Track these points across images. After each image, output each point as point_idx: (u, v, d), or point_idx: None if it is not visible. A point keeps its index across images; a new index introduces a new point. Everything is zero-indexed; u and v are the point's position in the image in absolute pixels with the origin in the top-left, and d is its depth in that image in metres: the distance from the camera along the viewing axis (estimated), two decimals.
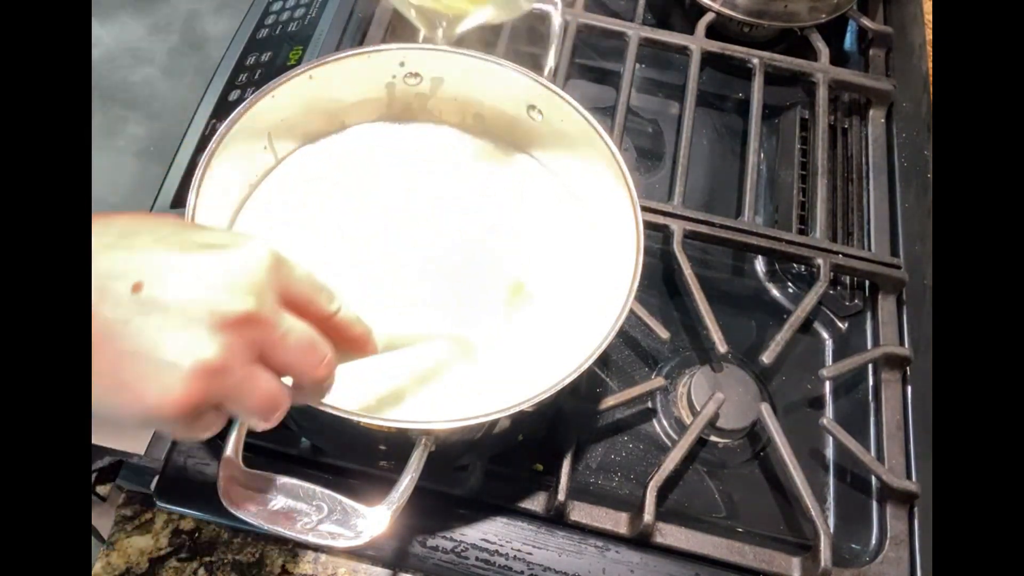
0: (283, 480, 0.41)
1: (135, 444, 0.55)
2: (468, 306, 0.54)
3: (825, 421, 0.59)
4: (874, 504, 0.59)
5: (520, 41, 0.76)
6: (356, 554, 0.54)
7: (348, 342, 0.40)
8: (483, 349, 0.52)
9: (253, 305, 0.34)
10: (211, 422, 0.35)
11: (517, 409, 0.43)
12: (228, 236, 0.36)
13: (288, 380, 0.37)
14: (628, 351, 0.65)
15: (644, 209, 0.55)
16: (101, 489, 0.56)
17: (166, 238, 0.34)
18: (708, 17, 0.81)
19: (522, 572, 0.53)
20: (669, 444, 0.60)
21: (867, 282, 0.70)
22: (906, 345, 0.65)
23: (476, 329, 0.53)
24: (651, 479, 0.55)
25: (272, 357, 0.35)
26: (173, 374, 0.32)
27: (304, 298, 0.37)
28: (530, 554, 0.53)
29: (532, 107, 0.58)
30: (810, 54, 0.81)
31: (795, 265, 0.70)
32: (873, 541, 0.58)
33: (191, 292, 0.33)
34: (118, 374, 0.32)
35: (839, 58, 0.84)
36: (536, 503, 0.55)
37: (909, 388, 0.63)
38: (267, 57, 0.73)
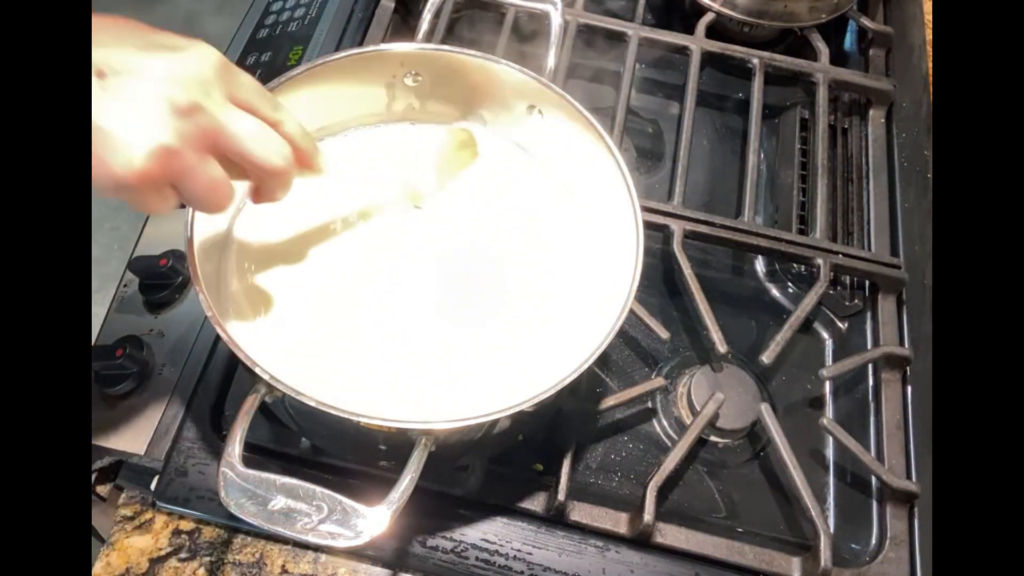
0: (283, 480, 0.41)
1: (135, 444, 0.55)
2: (467, 307, 0.54)
3: (825, 421, 0.59)
4: (874, 504, 0.59)
5: (520, 41, 0.76)
6: (356, 554, 0.54)
7: (294, 152, 0.44)
8: (428, 195, 0.56)
9: (200, 97, 0.39)
10: (167, 198, 0.40)
11: (517, 409, 0.43)
12: (180, 40, 0.41)
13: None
14: (628, 351, 0.65)
15: (644, 209, 0.55)
16: (101, 489, 0.56)
17: (125, 37, 0.39)
18: (708, 17, 0.81)
19: (522, 572, 0.53)
20: (669, 444, 0.60)
21: (867, 282, 0.70)
22: (906, 345, 0.65)
23: (478, 329, 0.53)
24: (651, 479, 0.55)
25: (226, 147, 0.40)
26: (134, 151, 0.37)
27: (248, 102, 0.42)
28: (530, 554, 0.53)
29: (532, 107, 0.58)
30: (810, 54, 0.81)
31: (795, 265, 0.70)
32: (873, 541, 0.58)
33: (148, 82, 0.38)
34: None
35: (839, 58, 0.84)
36: (536, 503, 0.55)
37: (909, 388, 0.63)
38: (267, 57, 0.73)
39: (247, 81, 0.42)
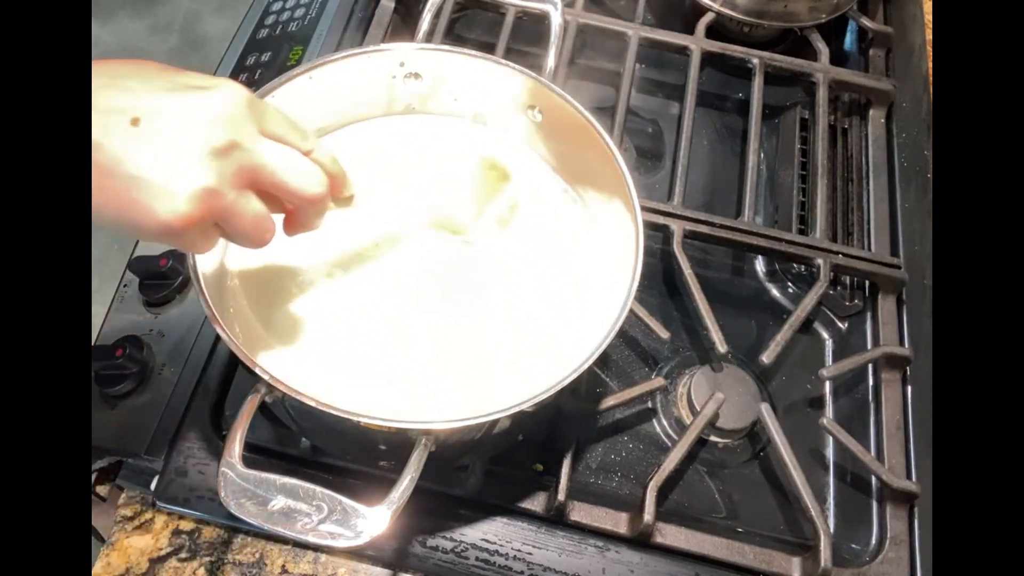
0: (283, 480, 0.41)
1: (135, 444, 0.55)
2: (466, 306, 0.54)
3: (825, 421, 0.59)
4: (874, 504, 0.59)
5: (520, 41, 0.76)
6: (356, 554, 0.54)
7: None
8: (470, 225, 0.56)
9: (236, 134, 0.39)
10: (211, 237, 0.41)
11: (517, 409, 0.43)
12: (206, 78, 0.41)
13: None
14: (628, 351, 0.65)
15: (644, 209, 0.55)
16: (101, 489, 0.56)
17: (153, 80, 0.39)
18: (708, 17, 0.81)
19: (522, 572, 0.53)
20: (669, 444, 0.60)
21: (867, 282, 0.70)
22: (906, 345, 0.65)
23: (477, 328, 0.53)
24: (651, 479, 0.55)
25: (263, 181, 0.41)
26: (178, 196, 0.37)
27: (279, 134, 0.42)
28: (530, 554, 0.53)
29: (532, 107, 0.58)
30: (810, 54, 0.81)
31: (795, 265, 0.70)
32: (873, 541, 0.58)
33: (182, 126, 0.38)
34: (130, 195, 0.37)
35: (839, 58, 0.84)
36: (536, 503, 0.55)
37: (909, 388, 0.63)
38: (267, 57, 0.73)
39: (275, 113, 0.43)
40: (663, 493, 0.56)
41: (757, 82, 0.77)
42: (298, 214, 0.45)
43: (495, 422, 0.45)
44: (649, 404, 0.63)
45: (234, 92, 0.40)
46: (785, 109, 0.81)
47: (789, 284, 0.70)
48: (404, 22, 0.81)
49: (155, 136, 0.37)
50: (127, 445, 0.55)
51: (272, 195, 0.42)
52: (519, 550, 0.54)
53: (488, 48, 0.69)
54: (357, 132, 0.61)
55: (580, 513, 0.55)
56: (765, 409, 0.58)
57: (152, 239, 0.39)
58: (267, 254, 0.54)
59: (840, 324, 0.68)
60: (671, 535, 0.54)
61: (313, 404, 0.42)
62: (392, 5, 0.80)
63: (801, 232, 0.71)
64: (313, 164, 0.43)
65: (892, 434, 0.61)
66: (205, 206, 0.38)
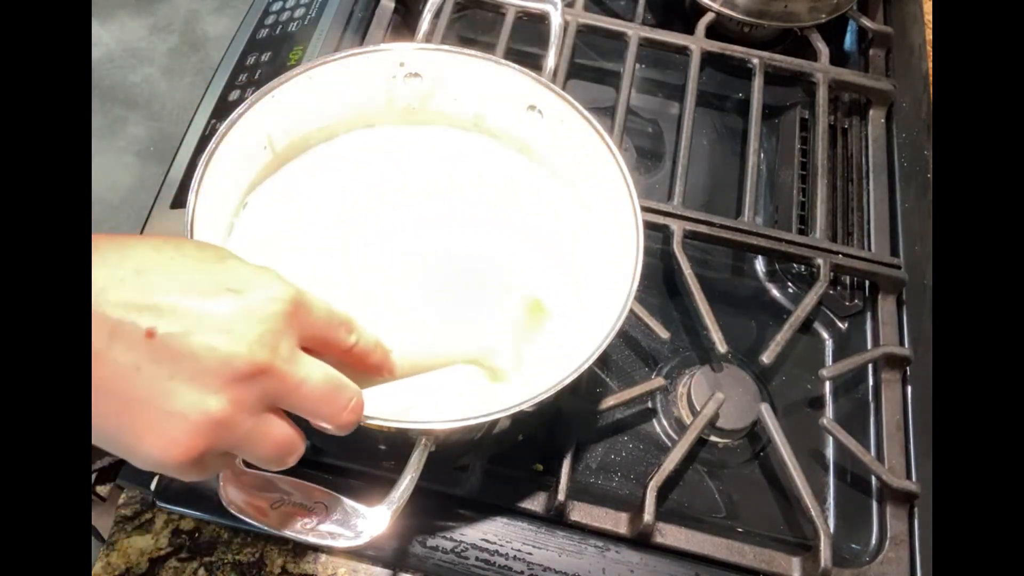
0: (283, 480, 0.41)
1: None
2: (467, 306, 0.54)
3: (825, 421, 0.59)
4: (874, 504, 0.59)
5: (520, 41, 0.76)
6: (356, 554, 0.54)
7: (369, 369, 0.40)
8: (512, 372, 0.51)
9: (267, 357, 0.33)
10: (218, 466, 0.36)
11: (517, 409, 0.43)
12: (248, 276, 0.35)
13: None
14: (628, 351, 0.65)
15: (644, 209, 0.56)
16: (101, 489, 0.56)
17: (182, 277, 0.33)
18: (708, 17, 0.81)
19: (522, 572, 0.53)
20: (669, 444, 0.60)
21: (867, 282, 0.70)
22: (906, 345, 0.65)
23: (490, 342, 0.53)
24: (651, 479, 0.55)
25: (289, 405, 0.35)
26: (179, 427, 0.32)
27: (323, 337, 0.37)
28: (530, 554, 0.53)
29: (532, 107, 0.58)
30: (810, 54, 0.81)
31: (795, 265, 0.70)
32: (873, 541, 0.58)
33: (204, 341, 0.32)
34: (126, 419, 0.32)
35: (839, 58, 0.84)
36: (536, 503, 0.55)
37: (909, 388, 0.63)
38: (267, 57, 0.73)
39: (320, 314, 0.36)
40: (663, 493, 0.56)
41: (757, 82, 0.77)
42: (325, 430, 0.38)
43: (495, 422, 0.45)
44: (649, 404, 0.63)
45: (275, 299, 0.34)
46: (785, 109, 0.81)
47: (789, 284, 0.70)
48: (404, 22, 0.81)
49: (167, 356, 0.32)
50: None
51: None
52: (519, 550, 0.54)
53: (488, 48, 0.69)
54: (362, 139, 0.61)
55: (580, 513, 0.55)
56: (765, 409, 0.58)
57: (147, 469, 0.34)
58: (267, 257, 0.54)
59: (840, 324, 0.68)
60: (671, 535, 0.54)
61: None
62: (392, 5, 0.80)
63: (801, 232, 0.71)
64: (348, 388, 0.37)
65: (892, 434, 0.61)
66: (210, 440, 0.33)
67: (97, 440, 0.33)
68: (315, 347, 0.36)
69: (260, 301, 0.34)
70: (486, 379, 0.52)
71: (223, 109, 0.69)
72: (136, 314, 0.32)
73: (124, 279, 0.32)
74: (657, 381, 0.60)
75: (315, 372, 0.35)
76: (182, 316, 0.32)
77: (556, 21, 0.62)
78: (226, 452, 0.35)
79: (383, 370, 0.41)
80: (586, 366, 0.45)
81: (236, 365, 0.32)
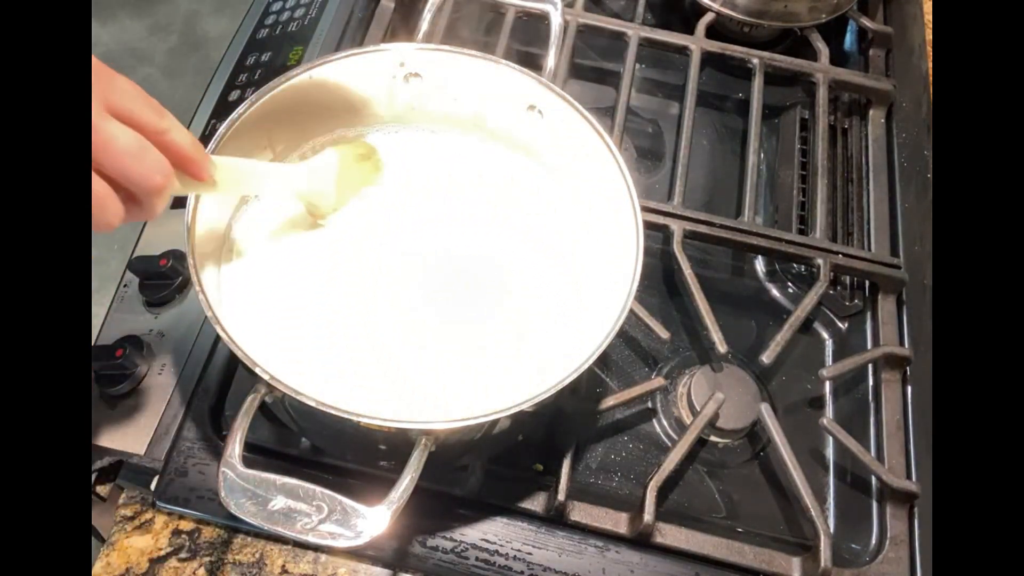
0: (283, 480, 0.41)
1: (135, 444, 0.55)
2: (467, 307, 0.54)
3: (825, 421, 0.59)
4: (874, 504, 0.59)
5: (520, 41, 0.76)
6: (356, 554, 0.54)
7: (182, 163, 0.41)
8: (329, 213, 0.54)
9: None
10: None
11: (517, 409, 0.43)
12: None
13: None
14: (628, 351, 0.65)
15: (644, 209, 0.55)
16: (101, 489, 0.56)
17: None
18: (708, 17, 0.81)
19: (522, 572, 0.53)
20: (669, 444, 0.60)
21: (867, 282, 0.70)
22: (906, 345, 0.65)
23: (478, 328, 0.53)
24: (651, 479, 0.55)
25: (102, 164, 0.37)
26: None
27: (128, 109, 0.39)
28: (530, 554, 0.53)
29: (532, 107, 0.58)
30: (810, 54, 0.81)
31: (795, 265, 0.70)
32: (873, 541, 0.58)
33: None
34: None
35: (839, 58, 0.84)
36: (536, 503, 0.55)
37: (909, 388, 0.63)
38: (267, 57, 0.73)
39: (127, 87, 0.39)
40: (663, 493, 0.56)
41: (757, 82, 0.77)
42: (139, 200, 0.40)
43: (495, 422, 0.45)
44: (649, 404, 0.63)
45: None
46: (785, 109, 0.81)
47: (789, 284, 0.70)
48: (404, 22, 0.81)
49: None
50: (127, 445, 0.55)
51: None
52: (519, 550, 0.54)
53: (488, 48, 0.69)
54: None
55: (580, 513, 0.55)
56: (765, 409, 0.58)
57: None
58: (267, 255, 0.54)
59: (840, 324, 0.68)
60: (671, 535, 0.54)
61: (313, 404, 0.42)
62: (392, 5, 0.80)
63: (801, 232, 0.71)
64: (155, 151, 0.40)
65: (892, 434, 0.61)
66: None
67: None
68: (124, 121, 0.38)
69: None
70: (305, 213, 0.54)
71: (223, 109, 0.69)
72: None
73: None
74: (657, 381, 0.60)
75: (124, 132, 0.38)
76: None
77: (556, 21, 0.62)
78: None
79: (201, 170, 0.43)
80: (586, 366, 0.45)
81: None
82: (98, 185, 0.38)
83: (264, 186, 0.52)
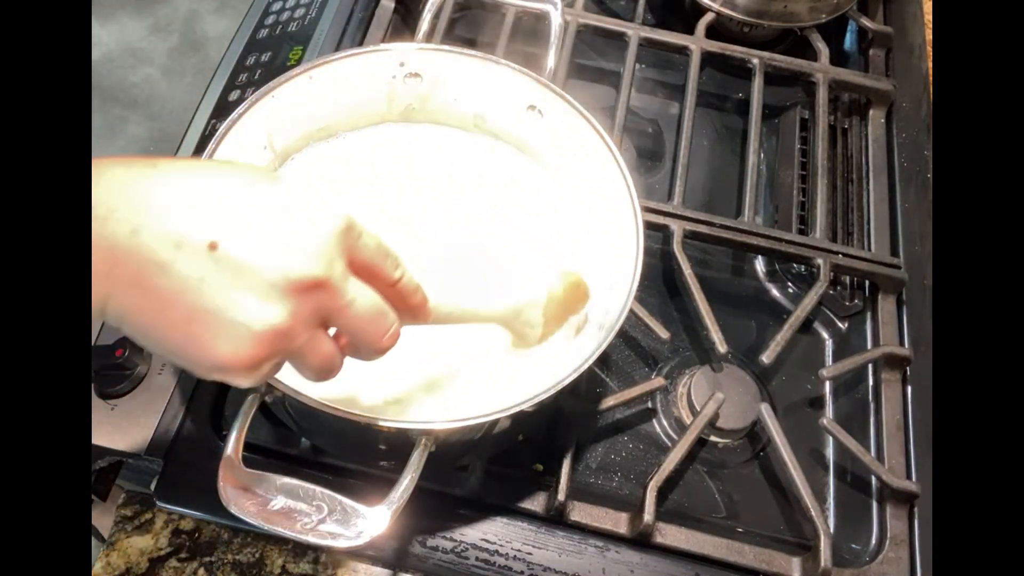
0: (283, 480, 0.41)
1: (135, 444, 0.55)
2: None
3: (825, 421, 0.59)
4: (874, 504, 0.59)
5: (520, 41, 0.76)
6: (356, 554, 0.54)
7: (408, 309, 0.41)
8: (536, 342, 0.52)
9: (322, 271, 0.35)
10: (271, 373, 0.37)
11: (517, 409, 0.43)
12: (301, 195, 0.36)
13: None
14: (628, 351, 0.65)
15: (644, 209, 0.55)
16: (101, 489, 0.56)
17: (241, 192, 0.35)
18: (708, 17, 0.81)
19: (522, 572, 0.53)
20: (669, 444, 0.60)
21: (867, 282, 0.70)
22: (906, 345, 0.65)
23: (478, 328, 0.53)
24: (651, 479, 0.55)
25: (337, 322, 0.37)
26: (243, 334, 0.33)
27: (372, 264, 0.38)
28: (530, 554, 0.53)
29: (532, 107, 0.58)
30: (810, 54, 0.81)
31: (795, 265, 0.70)
32: (873, 541, 0.58)
33: (264, 254, 0.34)
34: (191, 328, 0.33)
35: (839, 58, 0.84)
36: (536, 503, 0.55)
37: (909, 388, 0.63)
38: (267, 57, 0.73)
39: (370, 240, 0.38)
40: (663, 493, 0.56)
41: (757, 82, 0.77)
42: (359, 353, 0.40)
43: (495, 422, 0.45)
44: (649, 404, 0.63)
45: (330, 217, 0.36)
46: (785, 109, 0.81)
47: (789, 284, 0.70)
48: (404, 22, 0.81)
49: (230, 264, 0.33)
50: (127, 445, 0.55)
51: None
52: (519, 550, 0.54)
53: (488, 48, 0.69)
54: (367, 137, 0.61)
55: (580, 513, 0.55)
56: (765, 409, 0.58)
57: (201, 375, 0.36)
58: None
59: (840, 324, 0.68)
60: (671, 535, 0.54)
61: (313, 404, 0.42)
62: (392, 5, 0.80)
63: (801, 232, 0.71)
64: (392, 315, 0.39)
65: (892, 434, 0.61)
66: (272, 348, 0.34)
67: (160, 350, 0.35)
68: (363, 274, 0.38)
69: (316, 218, 0.35)
70: (510, 344, 0.52)
71: (223, 109, 0.69)
72: (201, 227, 0.33)
73: (187, 196, 0.34)
74: (657, 381, 0.60)
75: (364, 294, 0.37)
76: (243, 229, 0.34)
77: (556, 21, 0.63)
78: (279, 361, 0.36)
79: (420, 313, 0.42)
80: (586, 366, 0.45)
81: (295, 277, 0.34)
82: (329, 345, 0.37)
83: (472, 321, 0.50)
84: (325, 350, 0.37)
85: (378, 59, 0.57)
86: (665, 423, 0.62)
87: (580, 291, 0.54)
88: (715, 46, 0.79)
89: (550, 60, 0.61)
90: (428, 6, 0.64)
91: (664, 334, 0.61)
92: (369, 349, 0.39)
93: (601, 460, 0.60)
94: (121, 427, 0.55)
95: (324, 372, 0.38)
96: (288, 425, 0.56)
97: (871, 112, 0.80)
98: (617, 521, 0.55)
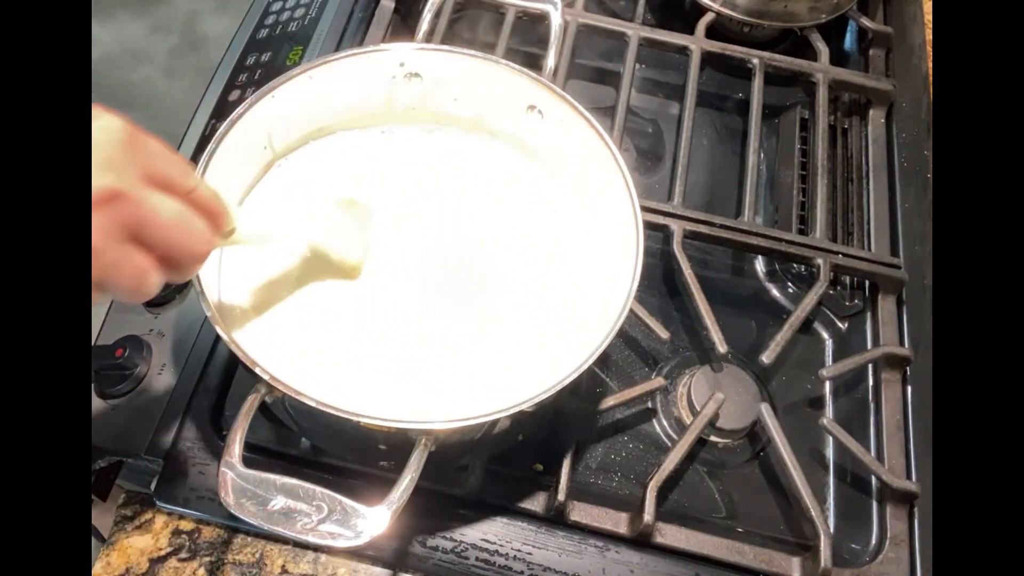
0: (283, 480, 0.41)
1: (135, 444, 0.55)
2: (467, 307, 0.54)
3: (825, 421, 0.59)
4: (874, 504, 0.59)
5: (520, 41, 0.76)
6: (356, 554, 0.54)
7: (210, 216, 0.41)
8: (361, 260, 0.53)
9: (112, 181, 0.34)
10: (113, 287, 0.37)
11: (517, 409, 0.43)
12: (95, 116, 0.36)
13: None
14: (628, 351, 0.65)
15: (644, 209, 0.55)
16: (101, 489, 0.56)
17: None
18: (708, 17, 0.81)
19: (522, 572, 0.53)
20: (669, 444, 0.60)
21: (867, 282, 0.70)
22: (906, 345, 0.65)
23: (477, 329, 0.53)
24: (651, 479, 0.55)
25: (144, 234, 0.37)
26: None
27: (163, 173, 0.38)
28: (530, 554, 0.53)
29: (532, 107, 0.58)
30: (810, 54, 0.81)
31: (795, 265, 0.70)
32: (873, 541, 0.58)
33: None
34: None
35: (839, 58, 0.84)
36: (536, 503, 0.55)
37: (909, 388, 0.63)
38: (267, 57, 0.73)
39: (156, 149, 0.38)
40: (663, 493, 0.56)
41: (757, 82, 0.77)
42: (177, 265, 0.40)
43: (495, 422, 0.45)
44: (649, 404, 0.63)
45: (109, 127, 0.35)
46: (785, 109, 0.81)
47: (789, 284, 0.70)
48: (404, 22, 0.81)
49: None
50: (127, 445, 0.55)
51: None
52: (519, 550, 0.54)
53: (488, 48, 0.69)
54: (358, 138, 0.61)
55: (580, 513, 0.55)
56: (765, 409, 0.58)
57: None
58: (267, 255, 0.54)
59: (840, 324, 0.68)
60: (671, 535, 0.54)
61: (313, 404, 0.42)
62: (392, 5, 0.80)
63: (801, 232, 0.71)
64: (197, 219, 0.39)
65: (892, 434, 0.61)
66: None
67: None
68: (158, 186, 0.37)
69: (97, 131, 0.35)
70: (339, 275, 0.53)
71: (223, 109, 0.69)
72: None
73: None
74: (657, 381, 0.60)
75: (166, 203, 0.37)
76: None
77: (556, 21, 0.62)
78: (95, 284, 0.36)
79: (221, 221, 0.42)
80: (586, 366, 0.45)
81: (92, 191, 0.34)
82: (140, 259, 0.37)
83: (280, 239, 0.51)
84: (136, 263, 0.37)
85: (378, 59, 0.57)
86: (665, 423, 0.62)
87: (357, 205, 0.55)
88: (715, 46, 0.79)
89: (550, 60, 0.61)
90: (428, 6, 0.64)
91: (664, 334, 0.61)
92: (183, 256, 0.39)
93: (601, 460, 0.60)
94: (121, 427, 0.55)
95: (137, 290, 0.37)
96: (288, 425, 0.56)
97: (871, 112, 0.80)
98: (617, 521, 0.55)
